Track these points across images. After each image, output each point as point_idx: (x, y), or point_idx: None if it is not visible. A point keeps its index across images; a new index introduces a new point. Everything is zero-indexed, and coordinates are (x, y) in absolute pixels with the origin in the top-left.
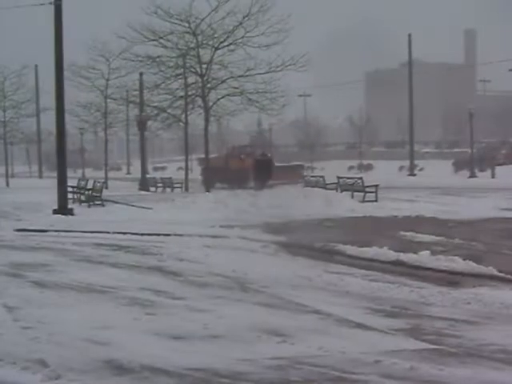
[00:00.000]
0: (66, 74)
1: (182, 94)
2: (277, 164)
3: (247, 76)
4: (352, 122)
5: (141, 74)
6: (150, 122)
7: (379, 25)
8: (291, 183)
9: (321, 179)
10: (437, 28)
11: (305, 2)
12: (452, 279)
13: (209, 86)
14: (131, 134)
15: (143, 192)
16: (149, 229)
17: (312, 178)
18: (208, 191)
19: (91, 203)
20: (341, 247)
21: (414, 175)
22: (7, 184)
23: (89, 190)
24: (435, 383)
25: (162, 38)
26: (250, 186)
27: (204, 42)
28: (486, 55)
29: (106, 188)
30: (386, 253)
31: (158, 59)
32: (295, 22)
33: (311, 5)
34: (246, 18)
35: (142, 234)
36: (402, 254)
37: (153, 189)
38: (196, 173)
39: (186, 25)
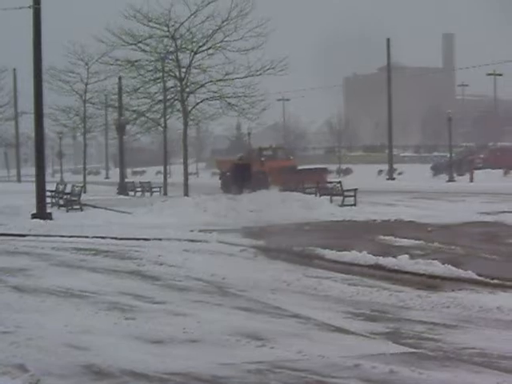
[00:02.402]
0: (44, 77)
1: (161, 97)
2: (300, 167)
3: (226, 80)
4: (331, 126)
5: (120, 78)
6: (128, 126)
7: (358, 30)
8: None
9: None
10: (415, 32)
11: (284, 7)
12: (431, 283)
13: (188, 90)
14: (110, 138)
15: (122, 196)
16: (128, 233)
17: None
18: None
19: (70, 207)
20: (320, 251)
21: (393, 179)
22: None
23: (67, 194)
24: None
25: (140, 42)
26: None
27: (183, 46)
28: (465, 59)
29: (85, 192)
30: (364, 257)
31: (136, 63)
32: (274, 27)
33: (291, 10)
34: (225, 23)
35: (121, 239)
36: (381, 257)
37: (131, 193)
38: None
39: (165, 29)
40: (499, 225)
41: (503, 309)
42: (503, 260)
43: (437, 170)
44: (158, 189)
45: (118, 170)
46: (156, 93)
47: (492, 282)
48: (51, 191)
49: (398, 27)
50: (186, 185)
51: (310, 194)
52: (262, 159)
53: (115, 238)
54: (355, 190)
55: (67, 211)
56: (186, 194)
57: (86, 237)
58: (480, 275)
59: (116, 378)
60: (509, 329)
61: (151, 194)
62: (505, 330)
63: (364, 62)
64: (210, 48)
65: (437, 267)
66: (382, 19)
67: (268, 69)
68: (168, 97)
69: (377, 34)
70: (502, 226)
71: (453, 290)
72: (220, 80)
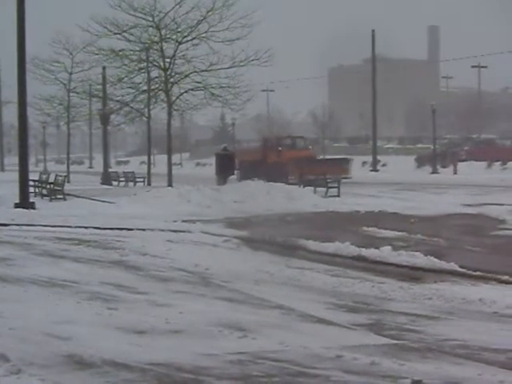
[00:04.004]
0: (28, 66)
1: (145, 88)
2: (320, 158)
3: (211, 71)
4: (314, 117)
5: (104, 68)
6: (112, 116)
7: (344, 20)
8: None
9: None
10: (400, 24)
11: None
12: (413, 274)
13: (172, 80)
14: (94, 128)
15: (105, 186)
16: (111, 223)
17: None
18: None
19: (53, 197)
20: (303, 242)
21: (377, 171)
22: None
23: (50, 183)
24: (396, 378)
25: (125, 31)
26: (290, 182)
27: (168, 36)
28: (450, 52)
29: (68, 182)
30: (347, 248)
31: (121, 53)
32: (260, 18)
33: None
34: (210, 13)
35: (104, 229)
36: (363, 249)
37: (115, 183)
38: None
39: (150, 19)
40: (482, 217)
41: (485, 301)
42: (486, 252)
43: (420, 161)
44: (142, 179)
45: (101, 159)
46: (140, 83)
47: (474, 274)
48: (34, 181)
49: (384, 19)
50: (169, 175)
51: (293, 184)
52: (279, 149)
53: (98, 228)
54: (339, 181)
55: (50, 201)
56: (170, 185)
57: (69, 226)
58: (462, 267)
59: (98, 367)
60: (490, 321)
61: (135, 184)
62: (487, 322)
63: (349, 53)
64: (194, 38)
65: (419, 259)
66: (368, 10)
67: (253, 60)
68: (152, 87)
69: (362, 25)
70: (484, 218)
71: (435, 282)
72: (204, 70)
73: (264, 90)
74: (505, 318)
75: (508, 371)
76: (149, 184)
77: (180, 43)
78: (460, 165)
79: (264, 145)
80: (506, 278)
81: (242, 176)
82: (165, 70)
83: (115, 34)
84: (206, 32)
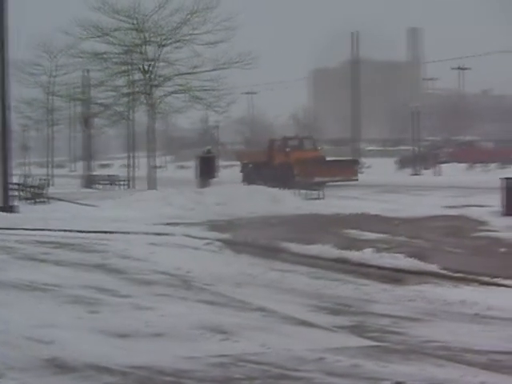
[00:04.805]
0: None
1: (128, 90)
2: (328, 159)
3: (193, 73)
4: (297, 119)
5: (86, 71)
6: (95, 119)
7: (326, 23)
8: (344, 180)
9: None
10: (383, 27)
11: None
12: (396, 276)
13: (154, 83)
14: (77, 131)
15: (88, 189)
16: (93, 226)
17: None
18: None
19: (35, 201)
20: (285, 245)
21: (362, 173)
22: None
23: (33, 187)
24: (378, 380)
25: (107, 34)
26: (298, 185)
27: (150, 38)
28: (432, 53)
29: (50, 185)
30: (330, 250)
31: (103, 56)
32: (243, 21)
33: (259, 3)
34: (193, 16)
35: (86, 232)
36: (346, 251)
37: (98, 186)
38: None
39: (132, 21)
40: (464, 218)
41: (467, 302)
42: (467, 254)
43: (402, 163)
44: (125, 182)
45: (84, 163)
46: (122, 86)
47: (456, 275)
48: (16, 184)
49: (367, 21)
50: (152, 178)
51: (276, 187)
52: (287, 150)
53: (80, 232)
54: (321, 183)
55: (32, 204)
56: (152, 188)
57: (51, 230)
58: (444, 269)
59: (79, 371)
60: (472, 322)
61: (117, 188)
62: (468, 324)
63: (332, 55)
64: (177, 41)
65: (402, 261)
66: (351, 13)
67: (235, 62)
68: (134, 90)
69: (345, 27)
70: (466, 219)
71: (417, 284)
72: (187, 73)
73: (247, 93)
74: (486, 320)
75: (489, 372)
76: (132, 187)
77: (162, 46)
78: (442, 167)
79: (270, 146)
80: (487, 279)
81: (246, 179)
82: (147, 72)
83: (97, 36)
84: (188, 35)
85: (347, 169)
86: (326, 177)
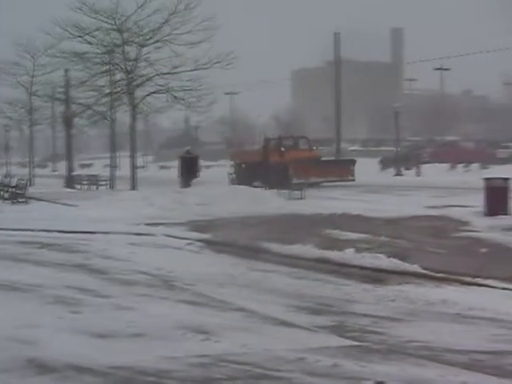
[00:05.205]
0: None
1: (108, 90)
2: (325, 159)
3: (173, 74)
4: (278, 120)
5: (66, 71)
6: (76, 119)
7: (307, 23)
8: (341, 181)
9: None
10: (366, 27)
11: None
12: (377, 276)
13: (135, 83)
14: (58, 131)
15: (69, 189)
16: (74, 226)
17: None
18: None
19: (15, 201)
20: (266, 245)
21: None
22: None
23: (13, 187)
24: (359, 380)
25: (87, 34)
26: (293, 186)
27: (130, 39)
28: (413, 54)
29: (31, 185)
30: (311, 250)
31: (84, 56)
32: (223, 21)
33: (240, 2)
34: (173, 16)
35: (68, 232)
36: (327, 251)
37: (78, 186)
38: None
39: (112, 21)
40: (445, 219)
41: (448, 302)
42: (449, 254)
43: (384, 164)
44: (106, 182)
45: (66, 163)
46: (103, 86)
47: (437, 275)
48: None
49: (349, 21)
50: (133, 178)
51: (257, 187)
52: (282, 150)
53: (61, 232)
54: (303, 183)
55: (12, 204)
56: (134, 188)
57: (32, 230)
58: (426, 269)
59: (60, 372)
60: (453, 322)
61: (97, 188)
62: (449, 324)
63: (313, 55)
64: (157, 41)
65: (383, 261)
66: (333, 13)
67: (215, 62)
68: (115, 90)
69: (327, 27)
70: (447, 219)
71: (399, 284)
72: (167, 73)
73: (228, 93)
74: (467, 320)
75: (470, 372)
76: (113, 187)
77: (143, 46)
78: (423, 167)
79: (265, 145)
80: (468, 279)
81: (239, 180)
82: (128, 72)
83: (77, 36)
84: (168, 35)
85: (344, 169)
86: (322, 177)
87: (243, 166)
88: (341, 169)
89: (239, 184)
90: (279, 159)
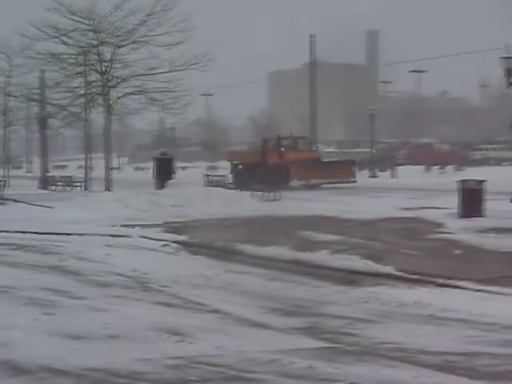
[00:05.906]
0: None
1: (83, 92)
2: (324, 160)
3: (150, 75)
4: (254, 121)
5: (42, 72)
6: (50, 120)
7: (284, 25)
8: (342, 182)
9: (222, 178)
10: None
11: (212, 3)
12: (351, 278)
13: (110, 84)
14: (32, 132)
15: (43, 191)
16: (49, 228)
17: (214, 178)
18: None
19: None
20: (240, 247)
21: None
22: None
23: None
24: (332, 381)
25: (63, 35)
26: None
27: (106, 39)
28: (388, 56)
29: (6, 186)
30: (285, 252)
31: (59, 56)
32: (200, 22)
33: (215, 4)
34: (150, 17)
35: (42, 233)
36: (300, 253)
37: (53, 187)
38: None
39: (88, 22)
40: (420, 220)
41: (421, 304)
42: (423, 255)
43: (359, 165)
44: (80, 183)
45: (41, 164)
46: (78, 87)
47: (411, 277)
48: None
49: (325, 23)
50: (107, 179)
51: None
52: (282, 150)
53: (36, 233)
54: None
55: None
56: (108, 189)
57: (7, 231)
58: (399, 270)
59: (33, 374)
60: (426, 323)
61: (72, 189)
62: (422, 325)
63: (289, 57)
64: (133, 42)
65: (356, 262)
66: (309, 15)
67: (191, 64)
68: (90, 91)
69: (302, 29)
70: (421, 221)
71: (372, 286)
72: (143, 74)
73: (203, 94)
74: (441, 321)
75: (443, 374)
76: (87, 188)
77: (119, 47)
78: (398, 169)
79: (264, 146)
80: (442, 281)
81: (237, 181)
82: (103, 73)
83: (53, 37)
84: (145, 36)
85: (344, 170)
86: (323, 178)
87: (241, 167)
88: (342, 170)
89: (237, 186)
90: (279, 160)
